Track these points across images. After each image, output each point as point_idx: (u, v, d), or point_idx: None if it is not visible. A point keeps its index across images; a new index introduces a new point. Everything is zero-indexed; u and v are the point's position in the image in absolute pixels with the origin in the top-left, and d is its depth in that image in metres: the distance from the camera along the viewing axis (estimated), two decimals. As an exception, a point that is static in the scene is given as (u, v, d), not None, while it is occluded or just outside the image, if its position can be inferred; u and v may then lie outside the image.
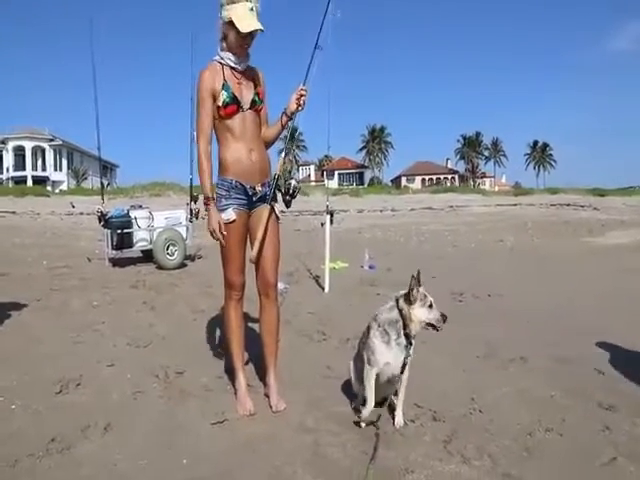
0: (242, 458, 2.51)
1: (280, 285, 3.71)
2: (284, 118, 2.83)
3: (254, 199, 2.85)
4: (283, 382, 3.16)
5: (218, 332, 4.32)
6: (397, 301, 2.72)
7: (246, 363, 3.32)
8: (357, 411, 2.90)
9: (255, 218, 2.85)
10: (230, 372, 3.30)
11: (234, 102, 2.75)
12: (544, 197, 28.46)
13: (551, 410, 3.04)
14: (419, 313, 2.67)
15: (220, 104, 2.73)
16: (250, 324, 3.94)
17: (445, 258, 9.52)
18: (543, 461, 2.53)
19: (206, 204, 2.76)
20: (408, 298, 2.66)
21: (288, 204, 2.88)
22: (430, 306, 2.68)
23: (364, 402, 2.79)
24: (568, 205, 23.35)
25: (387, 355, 2.69)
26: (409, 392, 2.90)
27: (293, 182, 2.84)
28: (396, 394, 2.89)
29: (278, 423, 2.85)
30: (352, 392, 3.09)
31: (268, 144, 2.94)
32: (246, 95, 2.80)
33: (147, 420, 2.84)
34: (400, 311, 2.68)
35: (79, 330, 4.36)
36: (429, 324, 2.73)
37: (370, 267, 8.22)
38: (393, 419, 2.85)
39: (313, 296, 6.08)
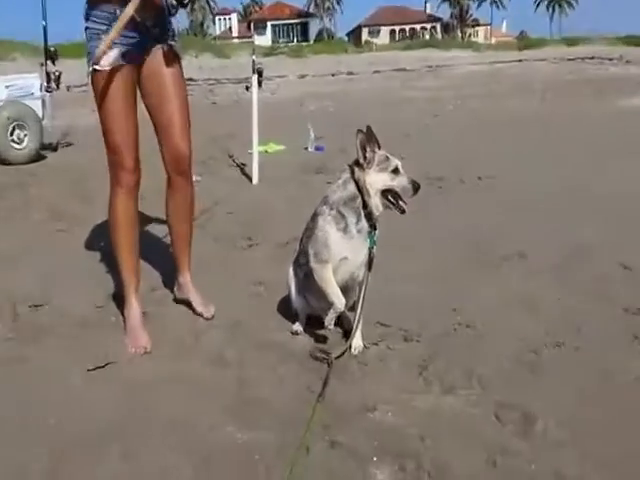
0: (133, 412, 2.49)
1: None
2: None
3: (147, 38, 2.95)
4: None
5: (101, 243, 4.33)
6: (352, 171, 2.72)
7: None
8: (295, 334, 3.05)
9: (150, 65, 2.98)
10: (117, 296, 3.40)
11: None
12: (559, 50, 28.59)
13: (562, 319, 3.14)
14: (377, 179, 2.66)
15: None
16: (148, 227, 4.13)
17: (420, 134, 9.65)
18: (552, 383, 2.61)
19: None
20: (359, 162, 2.66)
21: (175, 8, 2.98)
22: (395, 171, 2.66)
23: (303, 320, 3.00)
24: (592, 59, 23.44)
25: (344, 246, 2.72)
26: (370, 307, 2.94)
27: None
28: (352, 309, 2.94)
29: (187, 359, 2.88)
30: (291, 312, 3.19)
31: None
32: None
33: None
34: (357, 183, 2.69)
35: None
36: (393, 197, 2.70)
37: (317, 149, 8.42)
38: (349, 344, 2.88)
39: (237, 190, 6.21)
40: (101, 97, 2.90)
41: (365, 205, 2.69)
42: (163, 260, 3.87)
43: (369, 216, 2.71)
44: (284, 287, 3.22)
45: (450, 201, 5.62)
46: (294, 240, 3.97)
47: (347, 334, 3.01)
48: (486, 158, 7.39)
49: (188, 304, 3.38)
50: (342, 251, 2.73)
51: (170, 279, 3.62)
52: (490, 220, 4.94)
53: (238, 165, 7.43)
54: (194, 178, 3.33)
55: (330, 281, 2.75)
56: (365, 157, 2.65)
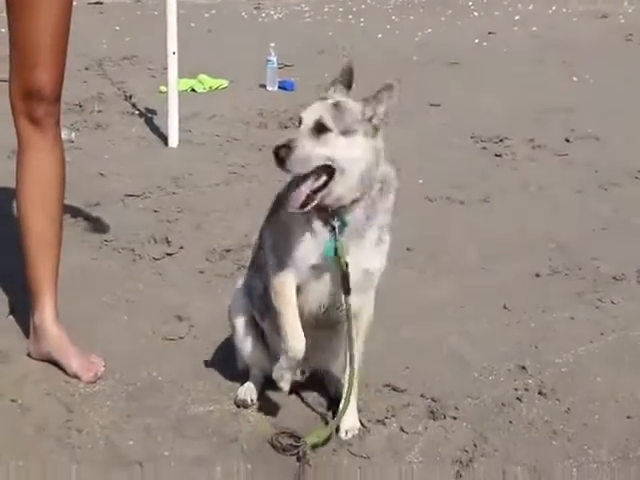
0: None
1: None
2: None
3: None
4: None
5: None
6: None
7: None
8: (242, 406, 2.83)
9: None
10: None
11: None
12: None
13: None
14: None
15: None
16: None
17: (469, 61, 9.07)
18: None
19: None
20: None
21: None
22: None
23: (258, 380, 2.87)
24: None
25: (314, 249, 2.57)
26: (374, 360, 2.85)
27: None
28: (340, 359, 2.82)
29: (57, 453, 2.56)
30: (235, 367, 2.99)
31: None
32: None
33: None
34: None
35: None
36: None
37: (284, 86, 7.84)
38: (335, 424, 2.69)
39: (139, 158, 5.67)
40: None
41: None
42: (7, 282, 3.64)
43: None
44: (222, 324, 3.06)
45: (516, 181, 5.17)
46: (240, 247, 3.85)
47: (334, 405, 2.83)
48: (571, 104, 6.95)
49: (54, 361, 3.08)
50: (310, 257, 2.59)
51: (21, 317, 3.33)
52: (588, 222, 4.51)
53: (142, 113, 6.61)
54: (64, 135, 3.21)
55: (288, 303, 2.62)
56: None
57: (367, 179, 2.51)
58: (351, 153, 2.45)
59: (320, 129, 2.44)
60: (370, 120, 2.50)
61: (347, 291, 2.59)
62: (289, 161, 2.42)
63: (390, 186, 2.59)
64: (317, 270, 2.63)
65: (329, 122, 2.43)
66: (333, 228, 2.56)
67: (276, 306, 2.67)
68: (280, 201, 2.70)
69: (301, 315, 2.68)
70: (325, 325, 2.73)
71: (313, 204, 2.50)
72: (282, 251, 2.67)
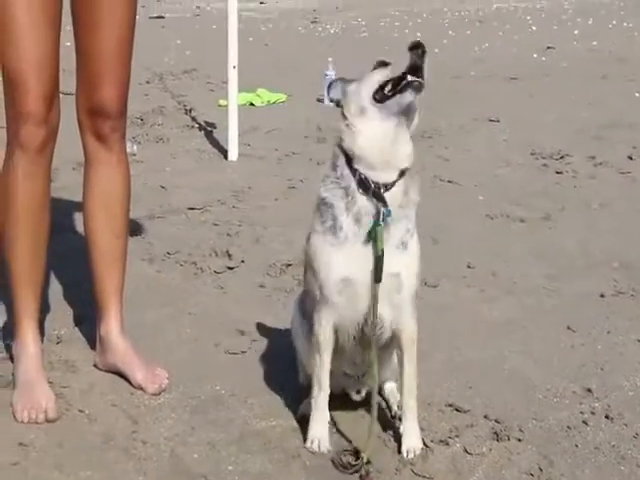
0: None
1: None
2: None
3: None
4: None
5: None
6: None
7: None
8: (304, 422, 2.79)
9: None
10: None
11: None
12: None
13: None
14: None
15: None
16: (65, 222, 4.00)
17: (529, 77, 9.03)
18: None
19: None
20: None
21: None
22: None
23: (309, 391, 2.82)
24: None
25: (338, 260, 2.52)
26: (433, 378, 2.93)
27: None
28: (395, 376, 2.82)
29: (120, 468, 2.56)
30: (297, 382, 2.99)
31: None
32: None
33: None
34: (340, 146, 2.52)
35: None
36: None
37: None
38: (398, 443, 2.68)
39: (199, 171, 5.76)
40: None
41: (350, 163, 2.47)
42: (74, 294, 3.64)
43: (364, 184, 2.43)
44: (283, 338, 3.08)
45: (578, 199, 5.10)
46: (299, 261, 3.79)
47: (394, 425, 2.81)
48: (633, 120, 6.88)
49: (119, 373, 3.10)
50: (336, 269, 2.51)
51: (88, 328, 3.34)
52: None
53: (202, 127, 6.73)
54: (128, 149, 3.25)
55: (322, 345, 2.61)
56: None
57: (411, 149, 2.50)
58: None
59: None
60: None
61: (378, 278, 2.50)
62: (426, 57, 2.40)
63: (416, 181, 2.57)
64: (347, 287, 2.54)
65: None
66: (378, 212, 2.48)
67: (314, 359, 2.68)
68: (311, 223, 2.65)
69: (342, 339, 2.65)
70: (369, 343, 2.64)
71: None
72: (310, 278, 2.63)
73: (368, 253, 2.48)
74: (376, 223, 2.44)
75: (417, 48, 2.43)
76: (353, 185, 2.44)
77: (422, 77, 2.42)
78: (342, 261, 2.50)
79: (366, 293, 2.53)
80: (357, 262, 2.49)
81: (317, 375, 2.66)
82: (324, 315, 2.58)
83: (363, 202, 2.44)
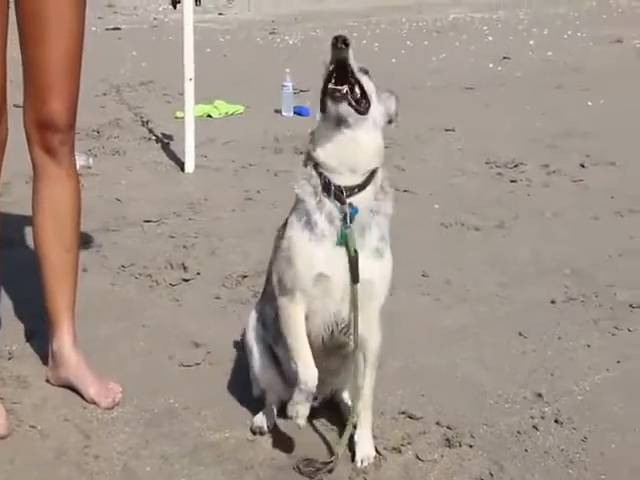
0: None
1: (78, 158, 3.77)
2: None
3: None
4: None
5: None
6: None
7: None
8: (258, 433, 2.82)
9: None
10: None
11: None
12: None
13: None
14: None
15: None
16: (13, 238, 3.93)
17: (485, 87, 9.19)
18: None
19: None
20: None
21: None
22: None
23: (274, 407, 2.84)
24: None
25: (315, 255, 2.51)
26: (388, 386, 2.91)
27: None
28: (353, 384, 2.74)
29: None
30: (250, 393, 2.96)
31: None
32: None
33: None
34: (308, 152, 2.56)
35: None
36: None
37: (299, 111, 7.85)
38: (352, 451, 2.67)
39: (156, 184, 5.70)
40: None
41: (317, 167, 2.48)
42: (25, 309, 3.59)
43: (327, 187, 2.45)
44: (238, 350, 3.12)
45: (531, 207, 5.13)
46: (255, 273, 3.89)
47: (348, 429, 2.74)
48: (586, 129, 6.93)
49: (72, 387, 3.05)
50: (313, 264, 2.51)
51: (40, 343, 3.29)
52: (604, 248, 4.45)
53: (158, 139, 6.66)
54: (82, 161, 3.21)
55: (295, 327, 2.58)
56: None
57: (380, 152, 2.52)
58: (375, 102, 2.47)
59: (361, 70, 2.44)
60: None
61: (355, 278, 2.52)
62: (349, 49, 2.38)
63: (389, 193, 2.58)
64: (322, 282, 2.55)
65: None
66: (344, 216, 2.49)
67: (286, 337, 2.65)
68: (284, 224, 2.65)
69: (309, 342, 2.65)
70: (334, 350, 2.68)
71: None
72: (284, 270, 2.61)
73: (343, 253, 2.50)
74: (344, 226, 2.45)
75: (338, 42, 2.40)
76: (320, 187, 2.49)
77: (352, 72, 2.41)
78: (319, 257, 2.52)
79: (339, 293, 2.53)
80: (333, 260, 2.50)
81: (295, 351, 2.58)
82: (298, 299, 2.55)
83: (330, 205, 2.47)
